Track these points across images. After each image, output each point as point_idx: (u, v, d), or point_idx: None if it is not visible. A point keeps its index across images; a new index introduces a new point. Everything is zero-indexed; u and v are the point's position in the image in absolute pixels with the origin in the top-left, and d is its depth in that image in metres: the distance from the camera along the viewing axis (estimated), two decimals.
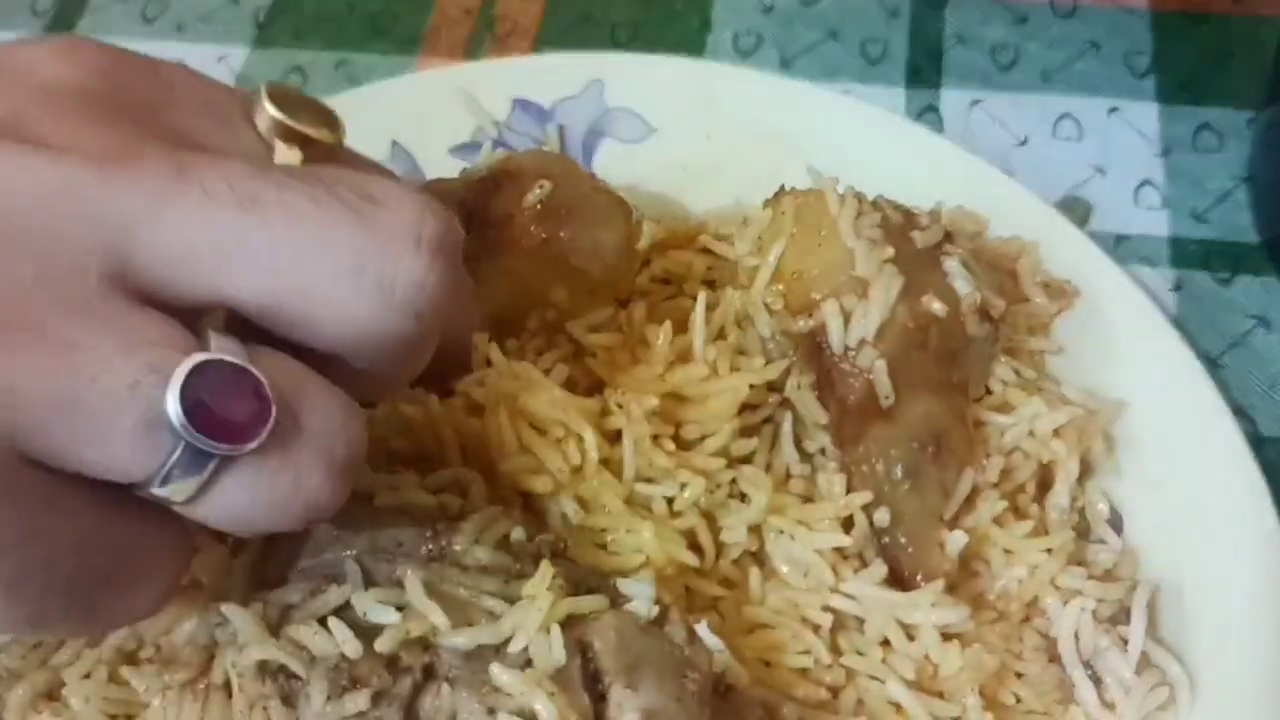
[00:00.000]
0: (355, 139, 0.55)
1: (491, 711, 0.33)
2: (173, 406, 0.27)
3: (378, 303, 0.30)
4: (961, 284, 0.43)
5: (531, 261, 0.45)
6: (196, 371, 0.28)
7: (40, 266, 0.28)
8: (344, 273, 0.30)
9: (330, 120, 0.35)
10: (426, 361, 0.34)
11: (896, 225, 0.45)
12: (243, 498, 0.29)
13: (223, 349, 0.29)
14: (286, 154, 0.33)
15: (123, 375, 0.27)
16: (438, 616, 0.34)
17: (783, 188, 0.47)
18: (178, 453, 0.28)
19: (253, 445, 0.28)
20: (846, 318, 0.42)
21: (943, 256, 0.44)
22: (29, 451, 0.27)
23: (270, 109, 0.33)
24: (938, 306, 0.42)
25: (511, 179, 0.46)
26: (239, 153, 0.32)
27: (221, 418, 0.28)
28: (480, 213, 0.45)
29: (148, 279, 0.29)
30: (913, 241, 0.44)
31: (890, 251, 0.43)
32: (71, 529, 0.29)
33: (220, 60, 0.65)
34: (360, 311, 0.30)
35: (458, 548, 0.36)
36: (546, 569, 0.35)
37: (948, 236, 0.46)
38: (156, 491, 0.28)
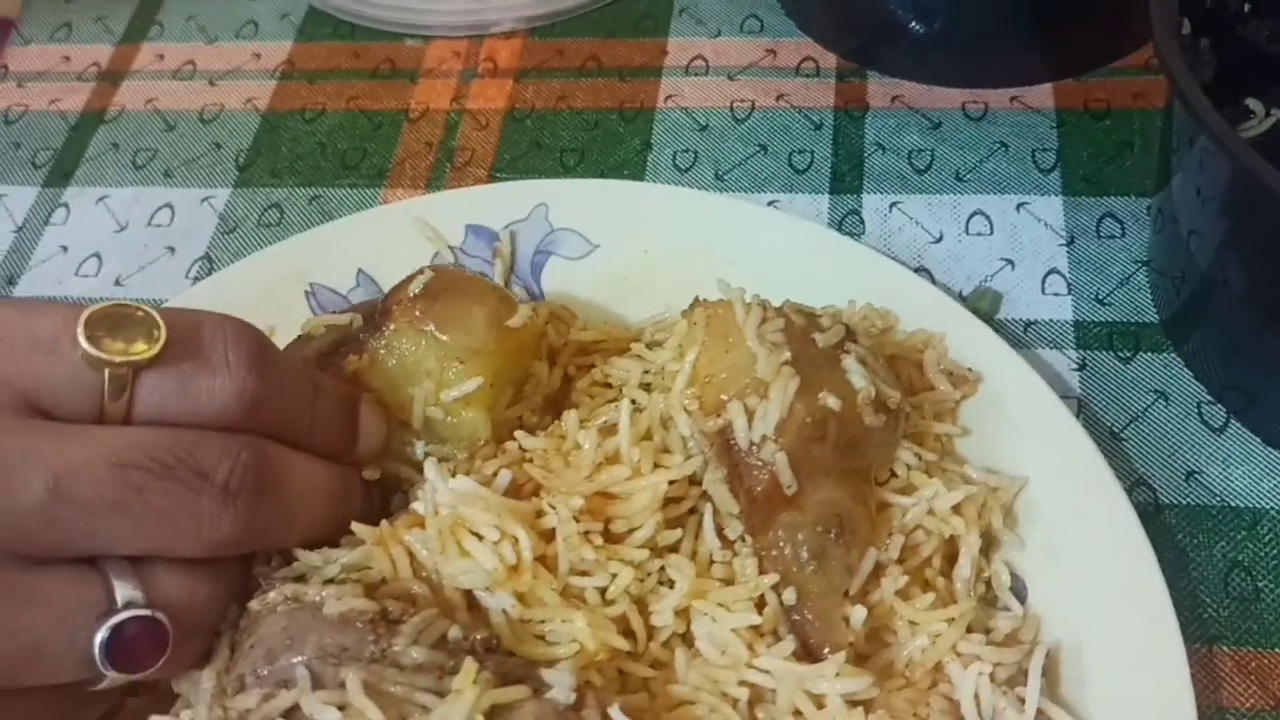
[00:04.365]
0: (326, 270, 0.61)
1: None
2: (99, 655, 0.39)
3: (208, 540, 0.41)
4: (858, 379, 0.48)
5: (406, 336, 0.50)
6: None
7: None
8: (186, 533, 0.41)
9: (150, 332, 0.41)
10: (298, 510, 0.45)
11: (799, 328, 0.49)
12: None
13: (128, 600, 0.40)
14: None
15: (57, 638, 0.39)
16: (374, 714, 0.39)
17: (696, 299, 0.52)
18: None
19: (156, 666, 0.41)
20: (750, 416, 0.47)
21: (843, 355, 0.49)
22: None
23: (83, 344, 0.40)
24: (833, 402, 0.47)
25: (404, 281, 0.52)
26: (66, 388, 0.40)
27: (132, 657, 0.40)
28: (376, 314, 0.52)
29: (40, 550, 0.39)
30: (814, 343, 0.49)
31: (787, 355, 0.47)
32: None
33: (204, 201, 0.71)
34: (200, 543, 0.41)
35: (397, 649, 0.41)
36: (470, 665, 0.39)
37: (850, 335, 0.50)
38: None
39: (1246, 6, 0.61)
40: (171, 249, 0.69)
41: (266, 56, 0.78)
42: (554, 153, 0.71)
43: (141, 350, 0.40)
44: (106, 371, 0.40)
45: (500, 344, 0.52)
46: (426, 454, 0.51)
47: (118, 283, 0.68)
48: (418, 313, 0.51)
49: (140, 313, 0.41)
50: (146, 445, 0.40)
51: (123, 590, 0.40)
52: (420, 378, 0.50)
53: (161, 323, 0.41)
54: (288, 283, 0.61)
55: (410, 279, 0.53)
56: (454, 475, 0.47)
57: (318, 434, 0.46)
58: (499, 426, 0.52)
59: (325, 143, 0.73)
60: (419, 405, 0.50)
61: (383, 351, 0.50)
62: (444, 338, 0.50)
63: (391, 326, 0.51)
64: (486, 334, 0.51)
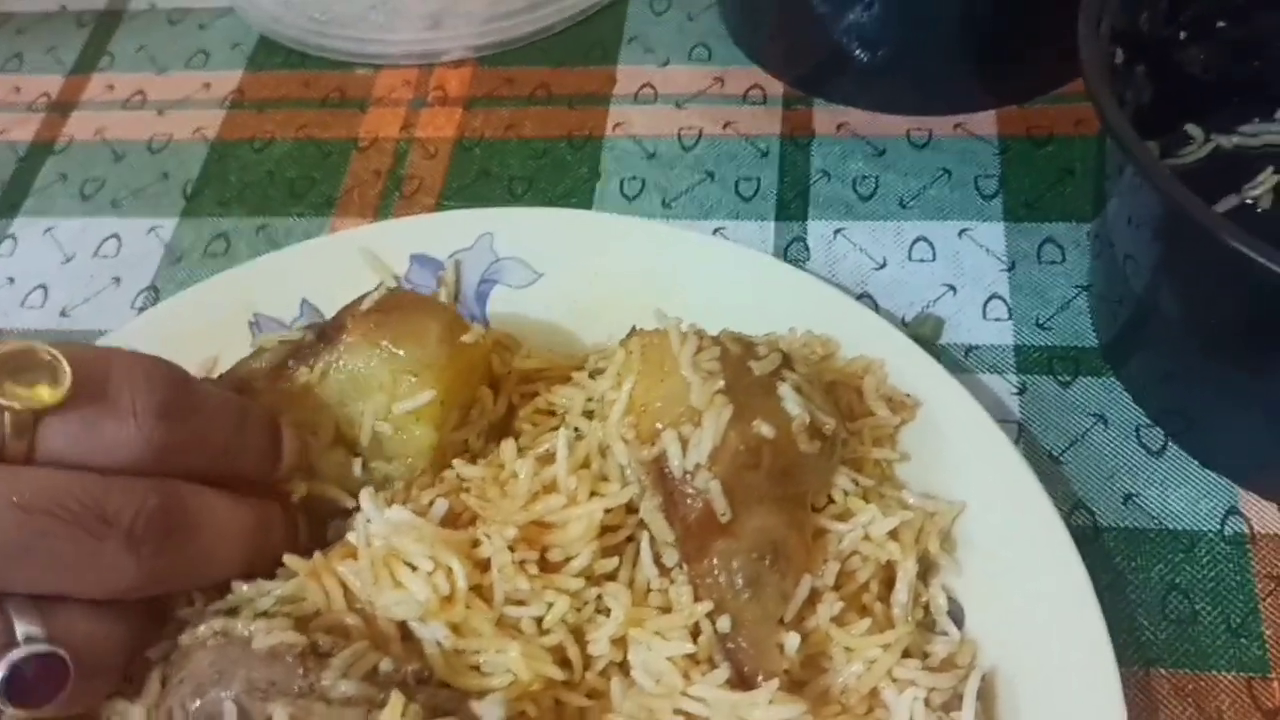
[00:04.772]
0: (270, 301, 0.61)
1: None
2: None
3: (111, 587, 0.41)
4: (792, 406, 0.48)
5: (360, 349, 0.50)
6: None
7: None
8: (89, 579, 0.41)
9: (56, 377, 0.40)
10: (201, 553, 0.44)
11: (735, 356, 0.50)
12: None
13: (28, 635, 0.39)
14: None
15: None
16: None
17: (634, 328, 0.52)
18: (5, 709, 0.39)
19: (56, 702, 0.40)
20: (684, 445, 0.47)
21: (778, 382, 0.49)
22: None
23: None
24: (766, 429, 0.47)
25: (356, 300, 0.53)
26: None
27: (31, 693, 0.39)
28: (328, 329, 0.52)
29: None
30: (750, 371, 0.49)
31: (721, 383, 0.47)
32: None
33: (151, 231, 0.71)
34: (103, 589, 0.41)
35: (325, 682, 0.41)
36: (396, 699, 0.39)
37: (786, 362, 0.51)
38: None
39: (1182, 34, 0.61)
40: (118, 279, 0.69)
41: (216, 86, 0.78)
42: (502, 181, 0.71)
43: (44, 396, 0.40)
44: (6, 415, 0.40)
45: (452, 360, 0.52)
46: (370, 470, 0.51)
47: (63, 314, 0.68)
48: (372, 325, 0.51)
49: (48, 355, 0.41)
50: (53, 489, 0.40)
51: (22, 627, 0.39)
52: (372, 390, 0.50)
53: (68, 368, 0.40)
54: (232, 313, 0.61)
55: (362, 297, 0.53)
56: (390, 505, 0.47)
57: (243, 461, 0.46)
58: (445, 449, 0.52)
59: (274, 172, 0.73)
60: (369, 419, 0.50)
61: (336, 364, 0.50)
62: (398, 351, 0.50)
63: (346, 339, 0.51)
64: (439, 349, 0.51)
